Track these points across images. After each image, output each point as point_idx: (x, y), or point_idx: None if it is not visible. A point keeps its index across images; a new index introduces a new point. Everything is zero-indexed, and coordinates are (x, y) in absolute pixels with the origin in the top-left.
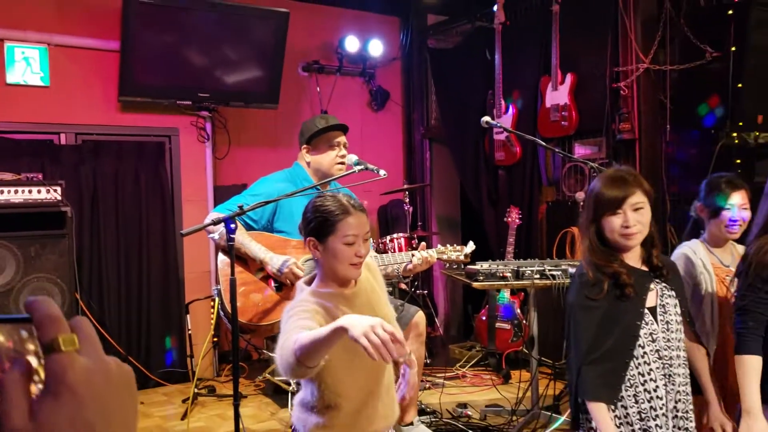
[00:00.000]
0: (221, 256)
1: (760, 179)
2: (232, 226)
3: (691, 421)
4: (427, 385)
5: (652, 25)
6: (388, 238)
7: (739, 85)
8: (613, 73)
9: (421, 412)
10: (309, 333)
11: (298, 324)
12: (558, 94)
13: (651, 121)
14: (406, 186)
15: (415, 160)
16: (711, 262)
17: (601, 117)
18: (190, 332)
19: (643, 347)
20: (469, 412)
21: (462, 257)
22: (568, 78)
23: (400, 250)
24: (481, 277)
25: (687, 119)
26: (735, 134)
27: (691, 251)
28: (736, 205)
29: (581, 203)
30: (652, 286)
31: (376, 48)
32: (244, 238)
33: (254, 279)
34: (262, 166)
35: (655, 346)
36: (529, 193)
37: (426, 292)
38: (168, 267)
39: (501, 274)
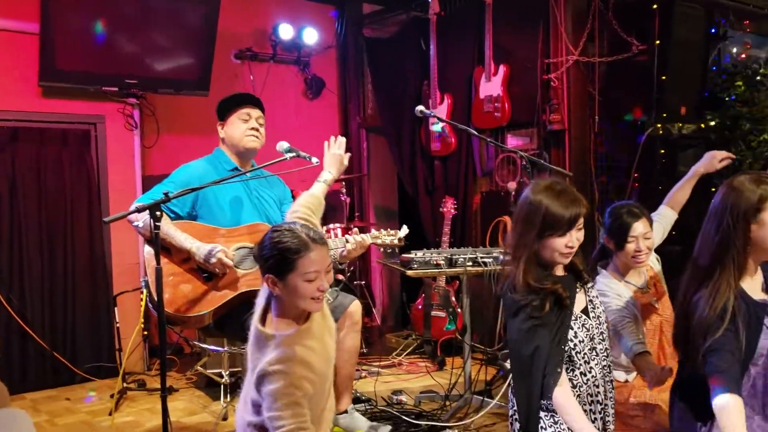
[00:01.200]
0: (147, 247)
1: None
2: (158, 213)
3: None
4: (363, 374)
5: (582, 18)
6: (325, 228)
7: (663, 78)
8: (544, 65)
9: (356, 400)
10: None
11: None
12: (491, 86)
13: (580, 113)
14: (342, 176)
15: (352, 150)
16: (628, 289)
17: (532, 108)
18: (118, 325)
19: (583, 351)
20: (404, 399)
21: (396, 241)
22: (501, 69)
23: None
24: (416, 266)
25: (614, 111)
26: (659, 125)
27: (606, 287)
28: (639, 236)
29: (512, 193)
30: (578, 288)
31: (311, 36)
32: (169, 228)
33: (182, 269)
34: (193, 155)
35: (593, 344)
36: (464, 184)
37: (363, 282)
38: (95, 259)
39: (435, 262)
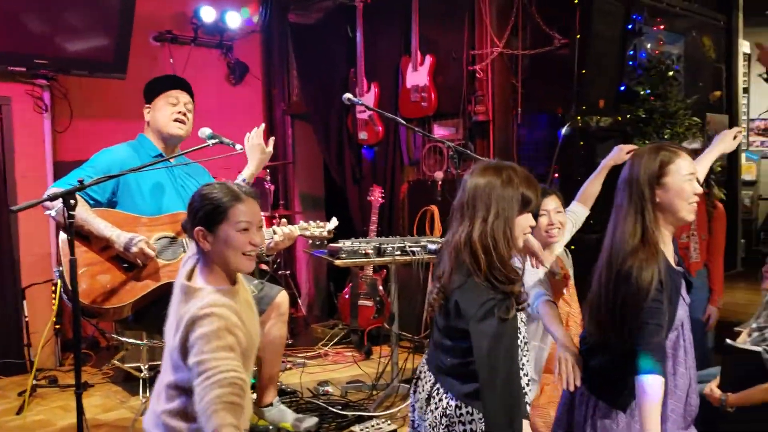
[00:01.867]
0: (62, 235)
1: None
2: (72, 201)
3: None
4: (289, 366)
5: (506, 12)
6: None
7: (583, 72)
8: (469, 57)
9: (281, 392)
10: None
11: (228, 377)
12: (418, 75)
13: (504, 104)
14: (267, 163)
15: (277, 137)
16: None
17: (458, 99)
18: (27, 319)
19: (528, 343)
20: (330, 390)
21: (325, 233)
22: (428, 60)
23: None
24: (344, 255)
25: (536, 103)
26: (579, 118)
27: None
28: (551, 210)
29: (439, 183)
30: None
31: (234, 19)
32: (87, 215)
33: (100, 259)
34: (109, 141)
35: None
36: (391, 172)
37: (289, 272)
38: (1, 250)
39: (363, 252)
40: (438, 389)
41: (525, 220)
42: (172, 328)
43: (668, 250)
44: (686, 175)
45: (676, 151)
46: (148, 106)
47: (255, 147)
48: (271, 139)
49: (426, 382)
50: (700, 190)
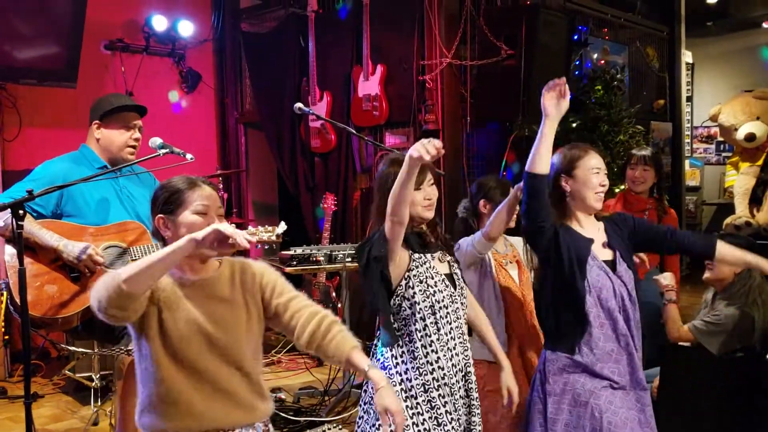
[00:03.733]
0: (7, 248)
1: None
2: (21, 212)
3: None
4: None
5: (454, 23)
6: None
7: (530, 81)
8: (419, 66)
9: None
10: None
11: None
12: (369, 84)
13: (453, 113)
14: (219, 171)
15: (230, 145)
16: (491, 252)
17: (409, 108)
18: None
19: (446, 307)
20: (283, 396)
21: (274, 237)
22: (379, 69)
23: None
24: (295, 262)
25: (485, 112)
26: (526, 126)
27: (470, 245)
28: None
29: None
30: (442, 256)
31: (186, 28)
32: (32, 227)
33: (47, 270)
34: (60, 150)
35: (453, 308)
36: (344, 180)
37: None
38: None
39: (314, 258)
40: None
41: (414, 197)
42: None
43: (584, 229)
44: (593, 169)
45: (586, 149)
46: (98, 122)
47: None
48: None
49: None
50: (606, 182)
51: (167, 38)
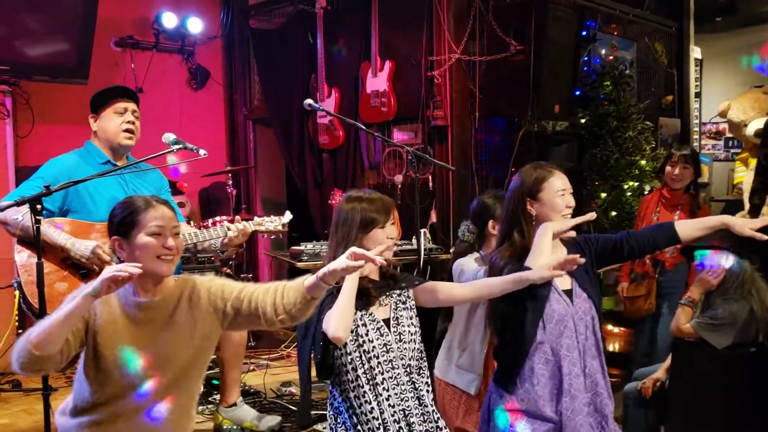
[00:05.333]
0: (19, 248)
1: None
2: (38, 207)
3: (437, 416)
4: (252, 367)
5: (463, 18)
6: (210, 221)
7: (539, 77)
8: (428, 62)
9: (245, 393)
10: (46, 319)
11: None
12: (378, 81)
13: (461, 109)
14: (228, 168)
15: (239, 142)
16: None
17: (417, 104)
18: None
19: (378, 357)
20: (293, 390)
21: (279, 227)
22: (387, 65)
23: None
24: (305, 258)
25: (494, 108)
26: (535, 122)
27: (467, 267)
28: None
29: (399, 186)
30: (385, 300)
31: (196, 25)
32: (41, 225)
33: (57, 267)
34: (71, 146)
35: (389, 356)
36: (352, 176)
37: (251, 275)
38: None
39: (324, 254)
40: None
41: (376, 236)
42: None
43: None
44: (558, 191)
45: (550, 170)
46: (93, 115)
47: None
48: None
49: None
50: (572, 203)
51: (176, 35)
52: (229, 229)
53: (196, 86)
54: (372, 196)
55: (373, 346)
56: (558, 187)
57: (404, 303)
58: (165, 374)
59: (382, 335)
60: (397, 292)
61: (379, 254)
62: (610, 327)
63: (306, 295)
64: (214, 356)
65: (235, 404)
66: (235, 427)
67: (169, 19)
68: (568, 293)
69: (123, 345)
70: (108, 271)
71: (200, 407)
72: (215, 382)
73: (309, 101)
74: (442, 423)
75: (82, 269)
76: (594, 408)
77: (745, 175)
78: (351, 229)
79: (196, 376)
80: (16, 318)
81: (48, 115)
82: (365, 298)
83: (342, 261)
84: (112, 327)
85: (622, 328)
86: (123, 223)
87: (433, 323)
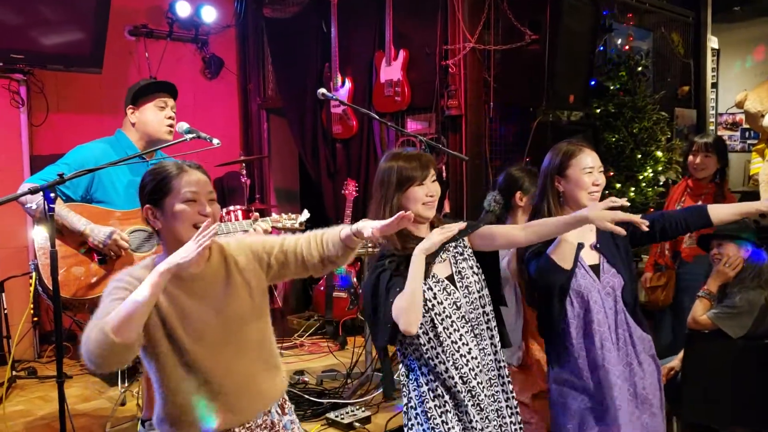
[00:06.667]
0: (36, 230)
1: None
2: (52, 195)
3: (506, 371)
4: None
5: (478, 7)
6: (225, 210)
7: (554, 67)
8: (442, 51)
9: None
10: (120, 305)
11: (110, 307)
12: (391, 70)
13: (476, 99)
14: (242, 157)
15: (252, 131)
16: None
17: (431, 93)
18: (6, 312)
19: (450, 317)
20: (306, 378)
21: (297, 225)
22: (401, 54)
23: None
24: None
25: (508, 97)
26: (550, 112)
27: (505, 267)
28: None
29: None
30: (443, 255)
31: (209, 14)
32: (61, 209)
33: (75, 252)
34: (85, 135)
35: (461, 312)
36: (365, 166)
37: None
38: None
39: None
40: None
41: (414, 193)
42: None
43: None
44: (586, 169)
45: (581, 147)
46: (133, 107)
47: None
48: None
49: None
50: (600, 181)
51: (190, 24)
52: (254, 230)
53: (210, 75)
54: (410, 153)
55: (444, 308)
56: (585, 165)
57: (462, 254)
58: (242, 336)
59: (449, 294)
60: (453, 244)
61: (420, 213)
62: None
63: (344, 246)
64: None
65: None
66: None
67: (183, 8)
68: (595, 268)
69: (196, 320)
70: (187, 247)
71: None
72: None
73: (322, 90)
74: (504, 372)
75: (100, 254)
76: (628, 381)
77: (761, 166)
78: (388, 188)
79: (266, 330)
80: (32, 305)
81: (62, 103)
82: (425, 267)
83: (367, 229)
84: (177, 309)
85: None
86: (155, 190)
87: None
